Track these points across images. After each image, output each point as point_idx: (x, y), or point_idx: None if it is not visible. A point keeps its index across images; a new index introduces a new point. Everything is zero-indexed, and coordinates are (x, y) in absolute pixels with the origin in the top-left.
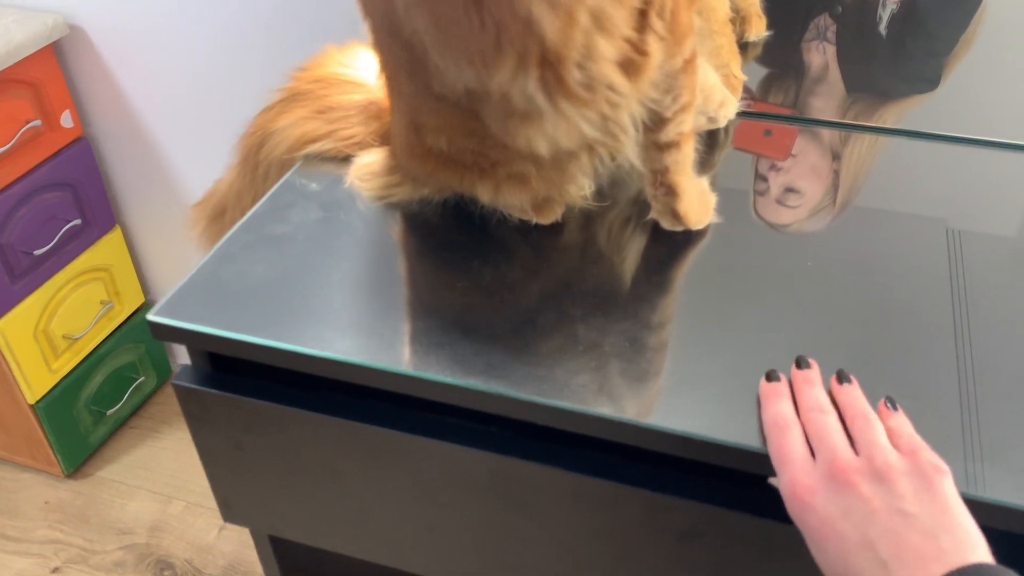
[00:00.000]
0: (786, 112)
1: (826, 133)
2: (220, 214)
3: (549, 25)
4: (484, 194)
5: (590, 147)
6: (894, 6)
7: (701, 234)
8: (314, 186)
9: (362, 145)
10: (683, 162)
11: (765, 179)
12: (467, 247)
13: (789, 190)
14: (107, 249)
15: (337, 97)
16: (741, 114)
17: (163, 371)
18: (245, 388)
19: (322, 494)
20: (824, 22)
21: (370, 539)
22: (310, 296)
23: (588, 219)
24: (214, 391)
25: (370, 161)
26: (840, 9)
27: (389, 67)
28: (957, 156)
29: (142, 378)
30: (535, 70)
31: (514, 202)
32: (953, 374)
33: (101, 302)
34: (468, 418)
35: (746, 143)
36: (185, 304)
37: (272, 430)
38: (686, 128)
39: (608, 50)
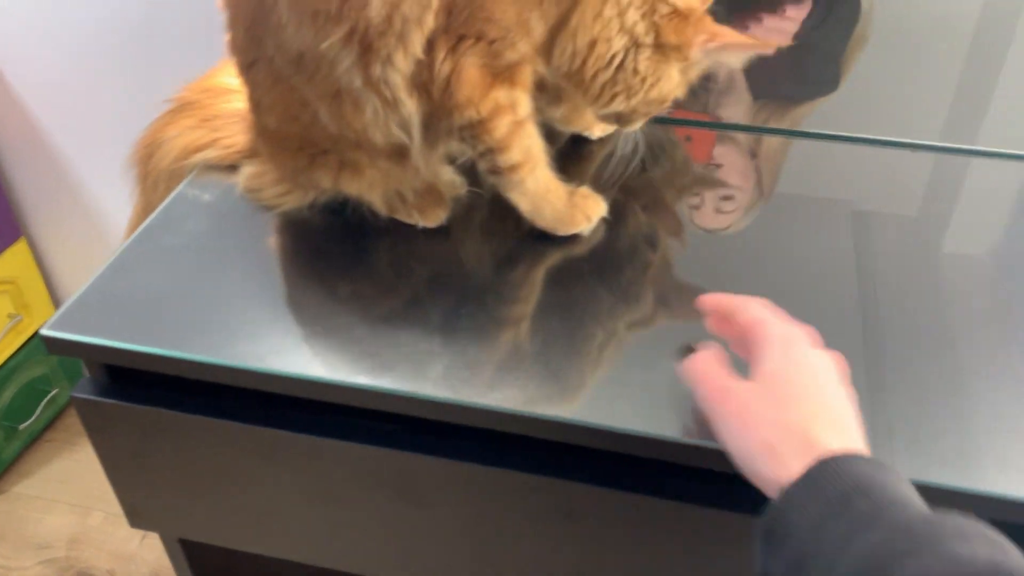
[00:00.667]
0: (704, 118)
1: (741, 137)
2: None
3: (375, 12)
4: (325, 181)
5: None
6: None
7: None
8: (207, 197)
9: (244, 153)
10: (512, 186)
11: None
12: (353, 252)
13: (724, 197)
14: (12, 261)
15: (222, 106)
16: (662, 120)
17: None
18: (143, 398)
19: (226, 496)
20: None
21: (276, 537)
22: (203, 306)
23: (472, 219)
24: (113, 401)
25: (256, 171)
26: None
27: (238, 33)
28: (857, 154)
29: (55, 390)
30: (356, 47)
31: (353, 191)
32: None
33: (8, 315)
34: (359, 416)
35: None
36: (79, 317)
37: (172, 437)
38: (505, 165)
39: (402, 63)
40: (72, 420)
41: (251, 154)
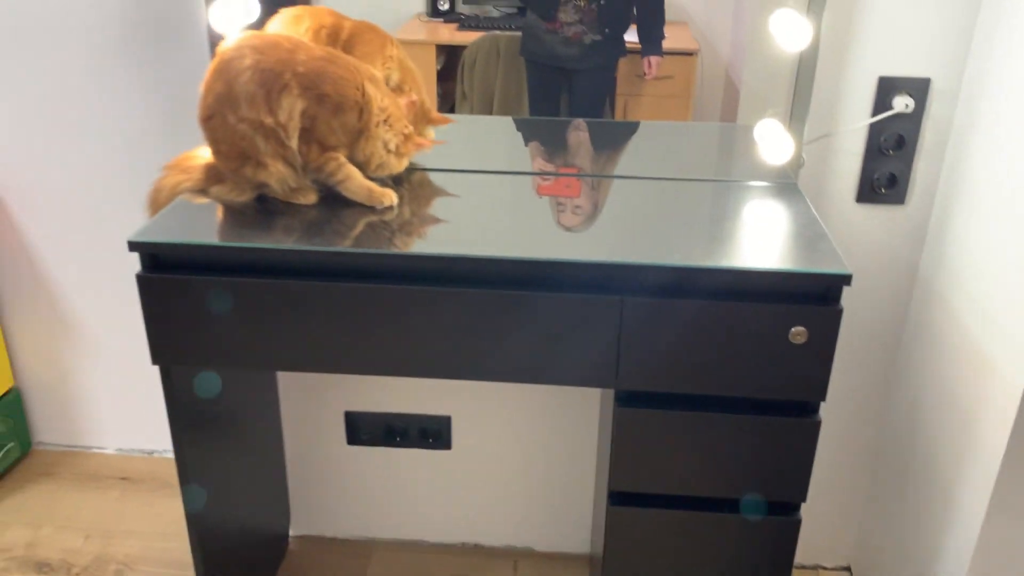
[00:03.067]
0: (572, 171)
1: (590, 180)
2: None
3: (276, 120)
4: (250, 173)
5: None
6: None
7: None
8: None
9: (207, 182)
10: (344, 188)
11: (562, 203)
12: (273, 212)
13: (576, 207)
14: None
15: (190, 163)
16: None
17: (25, 444)
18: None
19: (241, 331)
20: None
21: (291, 351)
22: (202, 232)
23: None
24: (163, 275)
25: (218, 189)
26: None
27: (208, 99)
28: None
29: (11, 444)
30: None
31: (264, 178)
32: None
33: None
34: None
35: (552, 191)
36: (149, 233)
37: (201, 298)
38: (336, 183)
39: (293, 139)
40: (23, 468)
41: (213, 181)
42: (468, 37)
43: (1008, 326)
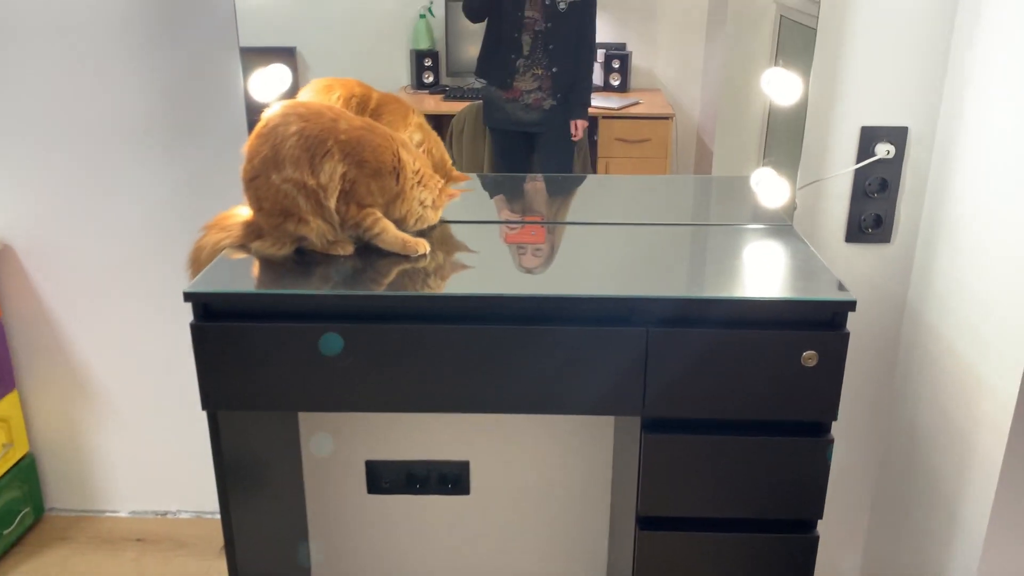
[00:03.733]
0: (536, 219)
1: (548, 227)
2: None
3: (319, 180)
4: (291, 228)
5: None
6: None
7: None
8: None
9: (246, 238)
10: (380, 240)
11: (524, 247)
12: (310, 263)
13: (536, 249)
14: (6, 406)
15: (228, 222)
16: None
17: (39, 509)
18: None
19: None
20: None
21: (325, 392)
22: (247, 281)
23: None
24: (216, 324)
25: (259, 243)
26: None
27: (253, 163)
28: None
29: (26, 510)
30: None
31: (305, 232)
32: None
33: (2, 445)
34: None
35: (516, 239)
36: (202, 284)
37: (250, 344)
38: (372, 236)
39: (332, 199)
40: (38, 533)
41: (253, 237)
42: (454, 107)
43: (999, 347)
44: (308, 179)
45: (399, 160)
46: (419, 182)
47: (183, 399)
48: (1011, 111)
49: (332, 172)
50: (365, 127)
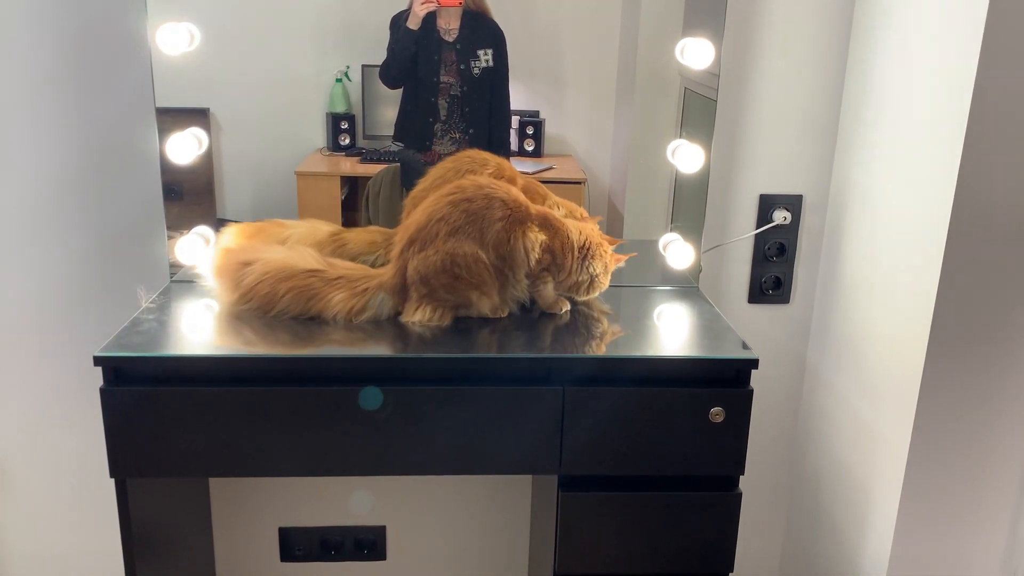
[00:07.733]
0: None
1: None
2: None
3: (515, 259)
4: (474, 298)
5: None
6: None
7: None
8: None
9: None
10: (539, 294)
11: None
12: (475, 328)
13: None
14: None
15: (361, 285)
16: None
17: None
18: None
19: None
20: None
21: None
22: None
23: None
24: (125, 388)
25: (411, 308)
26: None
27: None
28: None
29: None
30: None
31: (482, 305)
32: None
33: None
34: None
35: None
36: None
37: (164, 408)
38: (538, 292)
39: (520, 277)
40: None
41: (400, 302)
42: (370, 169)
43: (890, 401)
44: (502, 263)
45: (571, 240)
46: (589, 254)
47: (83, 467)
48: (894, 179)
49: (527, 254)
50: (544, 213)
